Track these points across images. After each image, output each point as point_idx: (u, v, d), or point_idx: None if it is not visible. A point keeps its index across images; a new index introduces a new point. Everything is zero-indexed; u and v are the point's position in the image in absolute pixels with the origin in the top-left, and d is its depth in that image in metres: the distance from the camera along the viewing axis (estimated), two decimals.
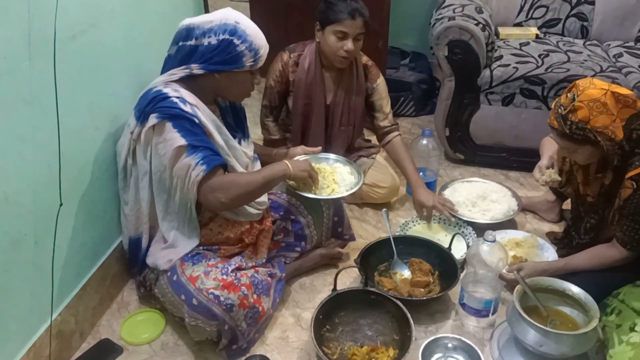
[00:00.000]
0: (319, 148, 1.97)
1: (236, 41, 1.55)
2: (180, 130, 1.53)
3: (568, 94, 1.65)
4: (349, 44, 2.02)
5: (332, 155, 2.00)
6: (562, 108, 1.64)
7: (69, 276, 1.65)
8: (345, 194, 1.85)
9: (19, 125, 1.36)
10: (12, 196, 1.36)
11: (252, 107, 2.78)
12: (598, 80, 1.65)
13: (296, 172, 1.70)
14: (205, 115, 1.60)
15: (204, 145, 1.54)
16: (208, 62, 1.57)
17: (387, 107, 2.27)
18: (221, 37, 1.55)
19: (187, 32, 1.57)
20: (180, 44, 1.59)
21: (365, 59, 2.24)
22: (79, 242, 1.67)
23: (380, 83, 2.24)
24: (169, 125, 1.53)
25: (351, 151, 2.37)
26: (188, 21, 1.58)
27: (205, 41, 1.55)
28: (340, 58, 2.07)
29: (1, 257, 1.36)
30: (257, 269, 1.74)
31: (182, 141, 1.52)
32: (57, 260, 1.54)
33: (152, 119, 1.54)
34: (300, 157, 1.89)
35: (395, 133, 2.29)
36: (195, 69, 1.58)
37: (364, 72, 2.21)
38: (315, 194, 1.80)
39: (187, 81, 1.60)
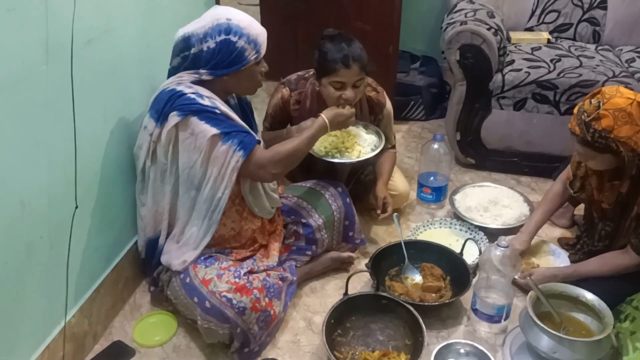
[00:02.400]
0: None
1: (233, 38, 1.56)
2: (208, 121, 1.55)
3: (592, 100, 1.61)
4: (347, 93, 1.90)
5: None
6: (586, 115, 1.60)
7: (83, 279, 1.66)
8: (376, 151, 1.91)
9: (35, 130, 1.37)
10: (28, 200, 1.38)
11: (262, 110, 2.78)
12: (625, 89, 1.61)
13: (333, 121, 1.75)
14: (224, 106, 1.62)
15: (235, 130, 1.57)
16: (214, 67, 1.58)
17: (390, 134, 2.20)
18: (218, 38, 1.56)
19: (185, 42, 1.59)
20: (181, 55, 1.61)
21: (368, 89, 2.11)
22: (93, 245, 1.68)
23: (386, 113, 2.15)
24: (194, 119, 1.55)
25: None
26: (182, 31, 1.60)
27: (205, 46, 1.57)
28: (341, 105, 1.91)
29: (17, 260, 1.37)
30: (268, 272, 1.75)
31: (213, 130, 1.55)
32: (71, 263, 1.55)
33: (174, 118, 1.55)
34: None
35: (393, 150, 2.25)
36: (204, 75, 1.60)
37: (369, 104, 2.12)
38: (343, 158, 1.89)
39: (197, 83, 1.62)
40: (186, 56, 1.60)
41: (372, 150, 1.94)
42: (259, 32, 1.61)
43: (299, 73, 2.13)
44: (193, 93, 1.57)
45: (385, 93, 2.18)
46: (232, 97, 1.79)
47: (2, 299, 1.34)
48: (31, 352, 1.47)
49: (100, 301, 1.74)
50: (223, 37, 1.55)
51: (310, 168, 2.10)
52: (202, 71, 1.60)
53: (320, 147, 1.95)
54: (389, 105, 2.18)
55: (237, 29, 1.56)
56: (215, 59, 1.57)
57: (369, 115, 2.14)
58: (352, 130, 1.97)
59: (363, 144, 1.94)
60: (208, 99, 1.58)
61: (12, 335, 1.40)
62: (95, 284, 1.72)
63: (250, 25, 1.60)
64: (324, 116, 1.74)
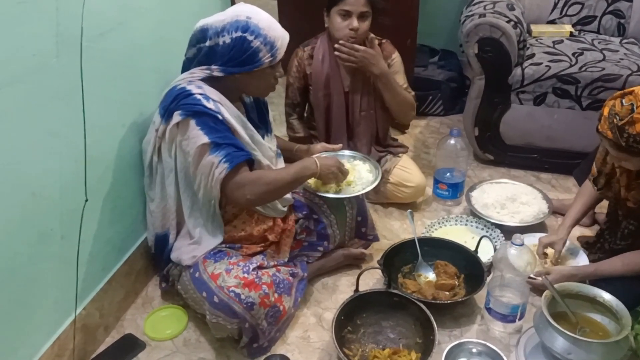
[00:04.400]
0: (340, 145, 1.96)
1: (249, 37, 1.54)
2: (203, 128, 1.53)
3: (623, 101, 1.51)
4: (353, 22, 2.01)
5: (350, 153, 2.00)
6: (618, 118, 1.50)
7: (95, 270, 1.67)
8: (360, 192, 1.83)
9: (46, 122, 1.38)
10: (39, 191, 1.39)
11: (279, 105, 2.77)
12: None
13: (324, 170, 1.69)
14: (230, 112, 1.60)
15: (227, 143, 1.54)
16: (226, 64, 1.57)
17: (402, 79, 2.24)
18: (234, 35, 1.54)
19: (202, 34, 1.58)
20: (197, 46, 1.60)
21: (376, 39, 2.19)
22: (105, 237, 1.69)
23: (396, 58, 2.21)
24: (192, 122, 1.54)
25: (378, 147, 2.35)
26: (202, 22, 1.59)
27: (220, 41, 1.55)
28: (348, 38, 2.04)
29: (28, 250, 1.39)
30: (278, 267, 1.74)
31: (205, 139, 1.52)
32: (82, 254, 1.56)
33: (176, 117, 1.55)
34: (321, 154, 1.88)
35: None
36: (216, 71, 1.58)
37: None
38: (331, 192, 1.81)
39: (209, 80, 1.61)
40: (201, 48, 1.59)
41: (362, 189, 1.84)
42: (278, 36, 1.58)
43: None
44: (200, 94, 1.55)
45: (393, 46, 2.24)
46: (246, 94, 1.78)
47: (13, 290, 1.36)
48: (42, 343, 1.49)
49: (112, 293, 1.75)
50: (239, 34, 1.53)
51: None
52: (213, 67, 1.58)
53: (316, 182, 1.87)
54: (396, 55, 2.23)
55: (255, 28, 1.54)
56: (229, 54, 1.56)
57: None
58: (356, 165, 1.93)
59: (358, 182, 1.87)
60: (214, 102, 1.56)
61: (23, 325, 1.41)
62: (107, 276, 1.73)
63: (270, 27, 1.57)
64: (317, 160, 1.68)
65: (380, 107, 2.26)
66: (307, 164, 1.68)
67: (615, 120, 1.52)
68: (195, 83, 1.59)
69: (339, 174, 1.74)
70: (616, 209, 1.84)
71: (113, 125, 1.67)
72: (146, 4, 1.75)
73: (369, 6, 2.02)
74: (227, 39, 1.55)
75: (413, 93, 2.28)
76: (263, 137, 1.75)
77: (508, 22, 2.35)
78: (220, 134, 1.54)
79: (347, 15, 2.02)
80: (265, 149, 1.72)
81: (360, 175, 1.88)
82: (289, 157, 1.92)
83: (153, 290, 1.93)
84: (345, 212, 1.93)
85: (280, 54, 1.60)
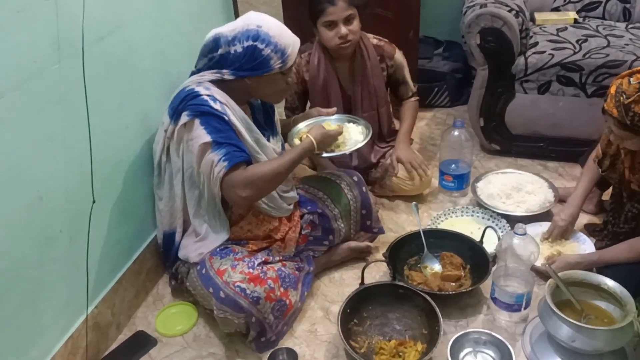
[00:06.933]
0: (334, 109, 1.94)
1: (260, 46, 1.56)
2: (206, 127, 1.56)
3: (631, 79, 1.52)
4: (341, 30, 1.98)
5: (342, 116, 1.98)
6: (625, 96, 1.51)
7: (105, 271, 1.71)
8: (353, 148, 1.84)
9: (50, 127, 1.41)
10: (46, 195, 1.42)
11: (281, 104, 2.79)
12: None
13: (321, 142, 1.71)
14: (236, 114, 1.62)
15: (228, 142, 1.57)
16: (238, 69, 1.59)
17: (408, 77, 2.24)
18: (245, 44, 1.56)
19: (214, 43, 1.60)
20: (208, 56, 1.62)
21: (375, 39, 2.17)
22: (114, 238, 1.73)
23: (398, 57, 2.20)
24: (197, 122, 1.57)
25: (382, 144, 2.36)
26: (214, 32, 1.62)
27: (232, 49, 1.58)
28: (340, 46, 2.03)
29: (37, 253, 1.42)
30: (284, 262, 1.76)
31: (207, 138, 1.55)
32: (91, 255, 1.60)
33: (184, 117, 1.58)
34: (312, 120, 1.90)
35: (414, 98, 2.31)
36: (226, 74, 1.61)
37: (377, 52, 2.17)
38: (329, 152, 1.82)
39: (219, 83, 1.63)
40: (212, 57, 1.62)
41: (357, 144, 1.85)
42: (289, 43, 1.60)
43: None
44: (208, 95, 1.58)
45: (393, 45, 2.22)
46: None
47: (24, 291, 1.40)
48: (55, 342, 1.53)
49: (123, 292, 1.79)
50: (250, 42, 1.56)
51: None
52: (224, 70, 1.61)
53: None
54: (398, 54, 2.22)
55: (265, 37, 1.57)
56: (240, 62, 1.59)
57: (379, 63, 2.18)
58: (349, 127, 1.91)
59: (348, 142, 1.86)
60: (221, 104, 1.59)
61: (34, 326, 1.45)
62: (117, 275, 1.77)
63: (281, 34, 1.59)
64: (312, 136, 1.70)
65: (384, 105, 2.26)
66: (302, 145, 1.68)
67: (621, 98, 1.52)
68: (203, 85, 1.61)
69: (333, 134, 1.76)
70: (620, 191, 1.83)
71: (117, 127, 1.70)
72: (143, 5, 1.77)
73: (351, 8, 1.98)
74: (238, 47, 1.57)
75: (415, 90, 2.30)
76: (269, 140, 1.77)
77: (509, 11, 2.34)
78: (223, 134, 1.57)
79: (332, 24, 1.99)
80: (270, 152, 1.74)
81: (351, 137, 1.88)
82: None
83: (163, 288, 1.96)
84: (349, 206, 1.94)
85: (291, 60, 1.63)
